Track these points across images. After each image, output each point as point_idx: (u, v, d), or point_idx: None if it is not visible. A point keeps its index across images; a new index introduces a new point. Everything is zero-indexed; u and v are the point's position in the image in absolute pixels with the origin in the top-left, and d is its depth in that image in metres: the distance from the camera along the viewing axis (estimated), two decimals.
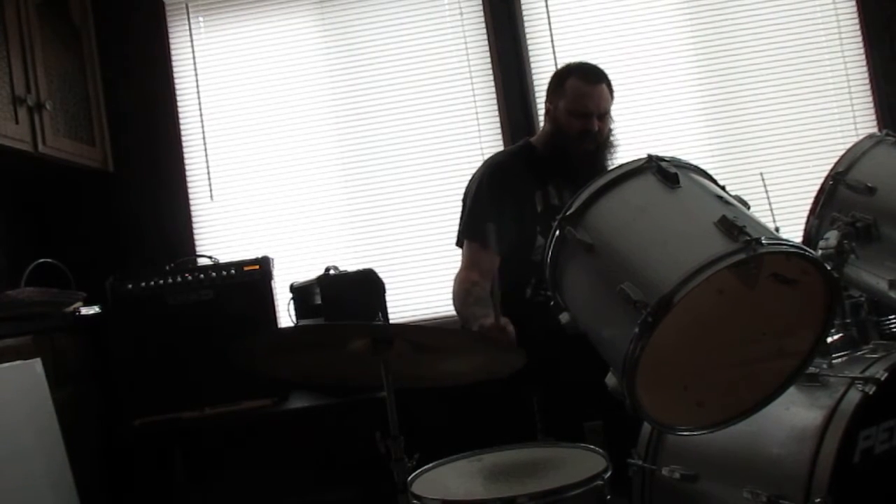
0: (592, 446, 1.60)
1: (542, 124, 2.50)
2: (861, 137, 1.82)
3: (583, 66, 2.37)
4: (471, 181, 2.42)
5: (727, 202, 1.41)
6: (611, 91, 2.36)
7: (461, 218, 2.39)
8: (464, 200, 2.42)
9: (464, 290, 2.19)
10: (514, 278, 2.27)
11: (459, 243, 2.36)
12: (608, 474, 1.45)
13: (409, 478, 1.48)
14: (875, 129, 2.88)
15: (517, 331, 1.89)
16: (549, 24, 3.09)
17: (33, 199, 3.08)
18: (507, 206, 2.28)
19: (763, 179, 2.17)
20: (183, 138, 3.17)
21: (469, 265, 2.27)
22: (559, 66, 2.48)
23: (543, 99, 2.45)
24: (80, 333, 2.56)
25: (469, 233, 2.32)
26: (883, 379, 1.39)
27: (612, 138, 2.38)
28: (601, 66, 2.37)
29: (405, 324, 1.44)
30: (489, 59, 3.11)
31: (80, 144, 2.88)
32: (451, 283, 2.29)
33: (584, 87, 2.31)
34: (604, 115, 2.33)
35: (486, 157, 2.92)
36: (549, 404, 2.00)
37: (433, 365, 1.62)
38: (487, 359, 1.69)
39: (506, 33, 3.10)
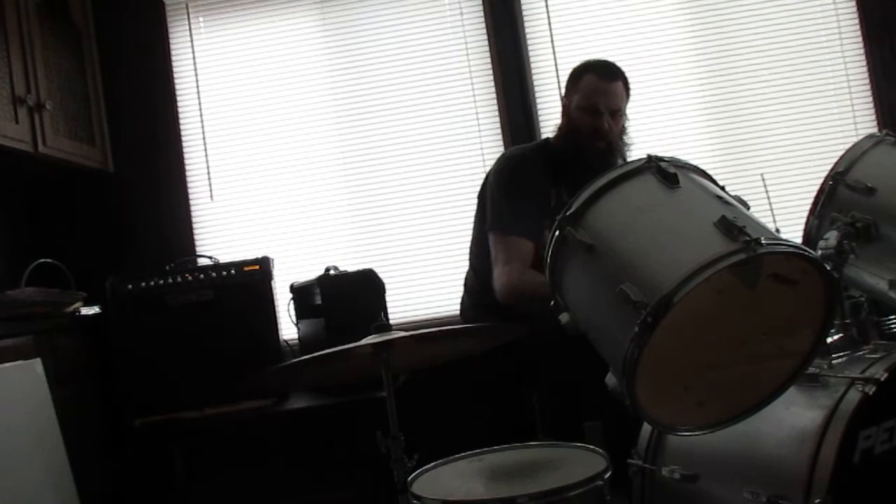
0: (592, 446, 1.60)
1: (542, 127, 2.50)
2: (861, 137, 1.82)
3: (600, 63, 2.35)
4: (490, 175, 2.39)
5: (727, 202, 1.41)
6: (627, 89, 2.34)
7: (484, 212, 2.36)
8: (482, 196, 2.39)
9: (518, 279, 2.16)
10: None
11: (492, 230, 2.32)
12: (608, 474, 1.45)
13: (409, 478, 1.48)
14: (875, 129, 2.88)
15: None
16: (549, 24, 3.09)
17: (33, 199, 3.08)
18: (528, 198, 2.26)
19: (763, 180, 2.17)
20: (183, 138, 3.17)
21: (506, 261, 2.22)
22: (576, 64, 2.45)
23: (544, 99, 2.45)
24: (80, 333, 2.56)
25: (498, 226, 2.28)
26: (883, 379, 1.39)
27: (625, 137, 2.36)
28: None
29: (410, 334, 1.45)
30: (489, 59, 3.11)
31: (80, 144, 2.88)
32: (452, 290, 2.29)
33: (597, 83, 2.29)
34: (616, 114, 2.31)
35: (487, 157, 2.94)
36: (549, 404, 2.00)
37: (434, 350, 1.62)
38: (487, 338, 1.69)
39: (506, 33, 3.10)
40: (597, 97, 2.28)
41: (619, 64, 2.36)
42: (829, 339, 1.50)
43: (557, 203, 2.30)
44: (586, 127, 2.29)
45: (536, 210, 2.25)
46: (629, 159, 2.33)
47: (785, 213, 2.31)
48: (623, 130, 2.36)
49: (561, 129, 2.40)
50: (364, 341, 1.44)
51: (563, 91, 2.45)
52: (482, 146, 3.10)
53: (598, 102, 2.28)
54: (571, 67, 2.42)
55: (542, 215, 2.27)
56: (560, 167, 2.34)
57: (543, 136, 2.53)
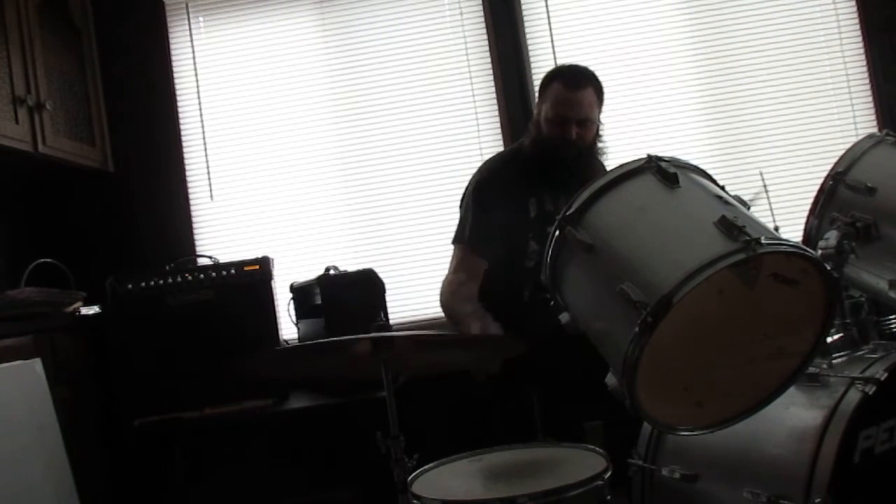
0: (592, 446, 1.60)
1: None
2: (861, 137, 1.82)
3: (568, 70, 2.29)
4: (467, 186, 2.41)
5: (727, 202, 1.42)
6: (599, 96, 2.26)
7: (458, 222, 2.38)
8: (460, 205, 2.41)
9: (449, 291, 2.22)
10: (511, 282, 2.26)
11: (453, 242, 2.37)
12: (608, 474, 1.45)
13: (409, 478, 1.48)
14: (875, 129, 2.88)
15: (517, 332, 1.90)
16: (549, 24, 3.09)
17: (33, 199, 3.08)
18: (498, 214, 2.26)
19: (763, 179, 2.17)
20: (183, 138, 3.16)
21: (457, 268, 2.29)
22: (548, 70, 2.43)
23: None
24: (80, 333, 2.56)
25: (459, 238, 2.33)
26: (883, 379, 1.39)
27: (598, 145, 2.30)
28: (606, 70, 2.30)
29: (409, 332, 1.45)
30: (489, 59, 3.11)
31: (80, 144, 2.88)
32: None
33: (564, 92, 2.21)
34: (585, 122, 2.23)
35: (486, 157, 2.92)
36: (549, 404, 2.00)
37: (433, 356, 1.62)
38: (486, 350, 1.69)
39: (506, 33, 3.10)
40: (564, 108, 2.21)
41: (619, 63, 2.34)
42: (829, 339, 1.50)
43: (539, 212, 2.28)
44: (555, 136, 2.23)
45: (507, 230, 2.25)
46: (612, 161, 2.32)
47: (785, 213, 2.31)
48: (595, 138, 2.29)
49: (532, 136, 2.34)
50: (362, 336, 1.43)
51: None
52: (481, 146, 3.10)
53: (564, 113, 2.21)
54: None
55: (523, 228, 2.26)
56: (536, 174, 2.31)
57: (518, 141, 2.49)
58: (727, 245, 1.28)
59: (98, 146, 3.01)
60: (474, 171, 2.45)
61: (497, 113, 3.10)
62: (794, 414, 1.44)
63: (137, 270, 2.62)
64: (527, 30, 3.11)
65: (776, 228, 1.47)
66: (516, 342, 1.57)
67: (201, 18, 3.20)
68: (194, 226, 3.15)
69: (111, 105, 3.09)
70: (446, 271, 2.34)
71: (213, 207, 3.16)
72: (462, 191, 2.44)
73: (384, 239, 3.11)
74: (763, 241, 1.27)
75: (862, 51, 3.01)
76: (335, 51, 3.16)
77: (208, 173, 3.16)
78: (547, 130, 2.26)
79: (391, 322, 2.69)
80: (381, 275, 2.64)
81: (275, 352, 1.59)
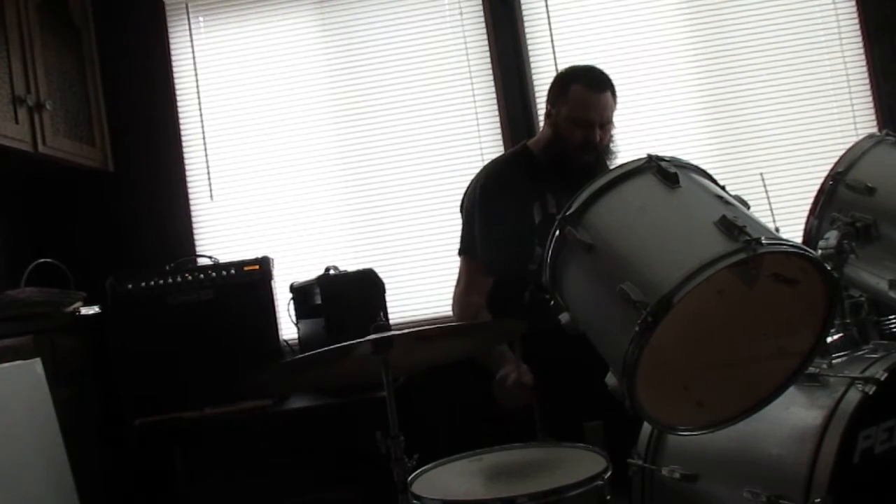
0: (592, 446, 1.60)
1: (541, 125, 2.47)
2: (861, 137, 1.82)
3: (588, 72, 2.28)
4: (468, 190, 2.38)
5: (727, 202, 1.41)
6: (614, 98, 2.28)
7: (462, 228, 2.37)
8: (461, 209, 2.40)
9: (469, 317, 2.21)
10: (512, 284, 2.26)
11: (461, 254, 2.35)
12: (608, 474, 1.45)
13: (409, 478, 1.48)
14: (875, 129, 2.88)
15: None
16: (549, 24, 3.09)
17: (33, 199, 3.08)
18: (502, 221, 2.25)
19: (763, 179, 2.17)
20: (183, 138, 3.16)
21: (468, 286, 2.27)
22: (563, 68, 2.41)
23: (544, 99, 2.43)
24: (80, 333, 2.56)
25: (468, 250, 2.30)
26: (883, 379, 1.39)
27: (612, 146, 2.31)
28: (605, 70, 2.29)
29: (411, 331, 1.46)
30: (489, 59, 3.11)
31: (80, 144, 2.88)
32: (452, 290, 2.31)
33: (588, 95, 2.21)
34: (606, 125, 2.25)
35: (486, 157, 2.93)
36: (549, 404, 2.00)
37: (432, 350, 1.62)
38: (486, 338, 1.69)
39: (506, 33, 3.10)
40: (587, 110, 2.20)
41: (619, 64, 2.33)
42: (829, 339, 1.51)
43: (544, 217, 2.27)
44: (576, 140, 2.22)
45: (513, 236, 2.24)
46: (616, 162, 2.31)
47: (785, 213, 2.31)
48: (611, 138, 2.30)
49: (546, 138, 2.33)
50: (365, 339, 1.44)
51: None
52: (482, 146, 3.10)
53: (589, 115, 2.20)
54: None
55: (528, 234, 2.25)
56: (543, 176, 2.30)
57: (520, 144, 2.48)
58: (727, 245, 1.28)
59: (98, 146, 3.01)
60: (475, 172, 2.43)
61: (497, 113, 3.10)
62: (794, 414, 1.44)
63: (137, 270, 2.62)
64: (527, 30, 3.11)
65: (776, 229, 1.47)
66: (516, 325, 1.57)
67: (201, 18, 3.20)
68: (194, 226, 3.15)
69: (111, 105, 3.09)
70: (454, 280, 2.32)
71: (213, 207, 3.16)
72: (462, 192, 2.43)
73: (384, 239, 3.11)
74: (763, 241, 1.27)
75: (862, 51, 3.01)
76: (335, 51, 3.16)
77: (208, 173, 3.17)
78: (567, 133, 2.24)
79: (391, 322, 2.69)
80: (381, 275, 2.64)
81: (280, 365, 1.59)
